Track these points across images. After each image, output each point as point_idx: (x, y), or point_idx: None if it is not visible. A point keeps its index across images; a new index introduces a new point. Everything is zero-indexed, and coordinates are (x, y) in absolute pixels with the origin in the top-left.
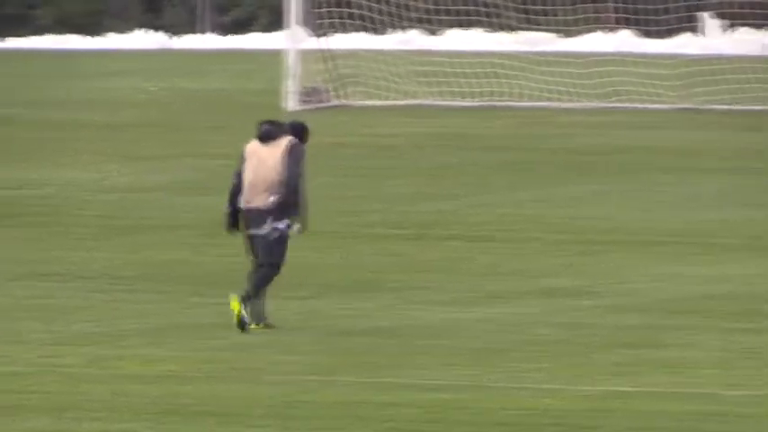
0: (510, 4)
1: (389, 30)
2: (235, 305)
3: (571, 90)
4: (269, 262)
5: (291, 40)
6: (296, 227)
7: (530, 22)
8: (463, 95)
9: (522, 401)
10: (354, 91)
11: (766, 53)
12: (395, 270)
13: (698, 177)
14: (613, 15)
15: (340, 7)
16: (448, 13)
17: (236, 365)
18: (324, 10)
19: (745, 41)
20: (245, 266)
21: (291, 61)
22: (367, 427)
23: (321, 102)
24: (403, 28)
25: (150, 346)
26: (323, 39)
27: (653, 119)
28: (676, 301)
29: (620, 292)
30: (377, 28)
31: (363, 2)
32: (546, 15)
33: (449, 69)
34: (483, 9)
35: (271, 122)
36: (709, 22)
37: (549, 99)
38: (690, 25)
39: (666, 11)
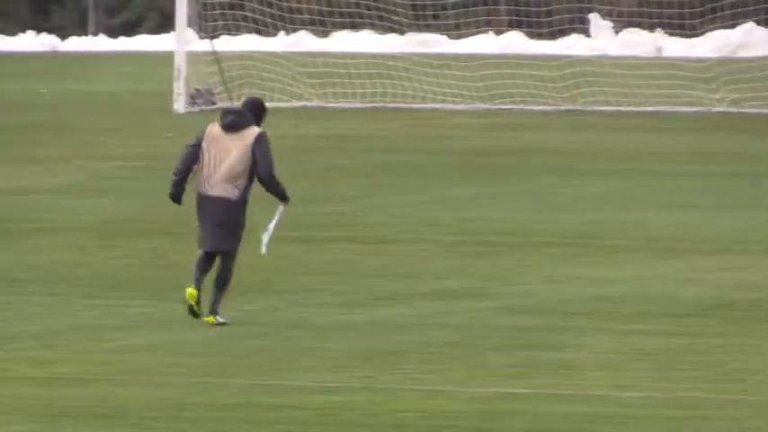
0: (399, 8)
1: (279, 32)
2: (191, 294)
3: (465, 93)
4: (224, 250)
5: (180, 42)
6: (280, 207)
7: (419, 23)
8: (354, 97)
9: (416, 403)
10: (244, 93)
11: (660, 55)
12: (285, 272)
13: (588, 179)
14: (506, 18)
15: (229, 9)
16: (340, 15)
17: (129, 367)
18: (213, 12)
19: (635, 43)
20: (137, 268)
21: (180, 63)
22: (258, 429)
23: (211, 104)
24: (293, 30)
25: (42, 348)
26: (212, 41)
27: (542, 120)
28: (570, 302)
29: (514, 294)
30: (266, 30)
31: (252, 4)
32: (436, 18)
33: (340, 71)
34: (374, 12)
35: (236, 113)
36: (598, 23)
37: (440, 101)
38: (578, 27)
39: (553, 12)
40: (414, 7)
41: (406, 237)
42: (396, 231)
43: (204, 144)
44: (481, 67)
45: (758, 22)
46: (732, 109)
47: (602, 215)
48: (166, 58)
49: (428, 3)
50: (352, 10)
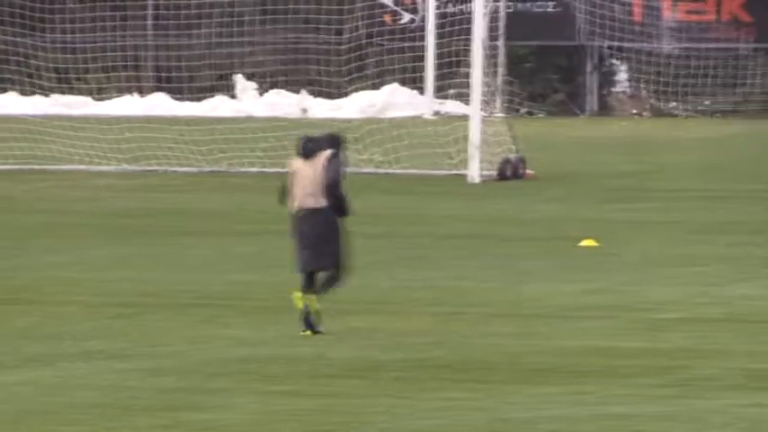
0: (43, 72)
1: None
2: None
3: (110, 155)
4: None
5: None
6: None
7: (63, 86)
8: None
9: None
10: None
11: (306, 116)
12: None
13: (233, 240)
14: (151, 84)
15: None
16: None
17: None
18: None
19: (280, 104)
20: None
21: None
22: None
23: None
24: None
25: None
26: None
27: (187, 182)
28: (215, 363)
29: (158, 355)
30: None
31: None
32: (79, 80)
33: None
34: (18, 77)
35: (311, 140)
36: (243, 84)
37: (87, 162)
38: (223, 88)
39: (197, 77)
40: (57, 70)
41: (52, 298)
42: (41, 293)
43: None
44: (126, 128)
45: (402, 83)
46: (379, 170)
47: (248, 276)
48: None
49: (71, 66)
50: None
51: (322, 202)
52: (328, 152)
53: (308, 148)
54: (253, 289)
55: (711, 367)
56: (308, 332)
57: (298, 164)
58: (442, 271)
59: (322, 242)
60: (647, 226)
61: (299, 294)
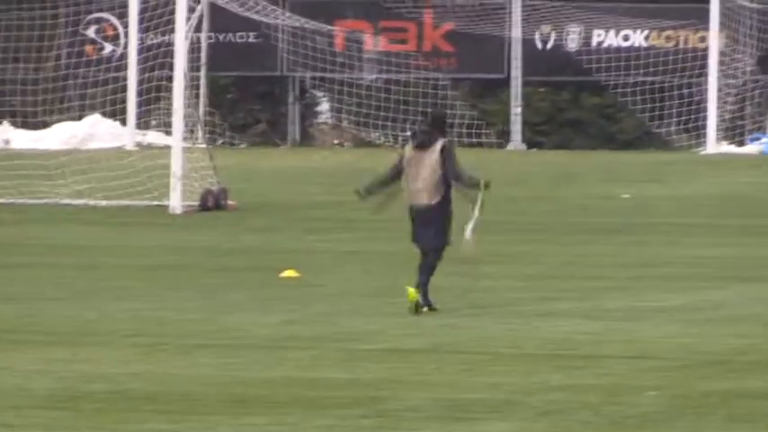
0: None
1: None
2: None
3: None
4: (433, 248)
5: None
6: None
7: None
8: None
9: None
10: None
11: (8, 147)
12: None
13: None
14: None
15: None
16: None
17: None
18: None
19: None
20: None
21: None
22: None
23: None
24: None
25: None
26: None
27: None
28: None
29: None
30: None
31: None
32: None
33: None
34: None
35: (424, 132)
36: None
37: None
38: None
39: None
40: None
41: None
42: None
43: (406, 166)
44: None
45: (104, 114)
46: (78, 201)
47: None
48: None
49: None
50: None
51: (436, 199)
52: (440, 143)
53: (424, 140)
54: None
55: (414, 398)
56: (426, 309)
57: (411, 154)
58: (143, 302)
59: (437, 230)
60: (349, 256)
61: (411, 289)
